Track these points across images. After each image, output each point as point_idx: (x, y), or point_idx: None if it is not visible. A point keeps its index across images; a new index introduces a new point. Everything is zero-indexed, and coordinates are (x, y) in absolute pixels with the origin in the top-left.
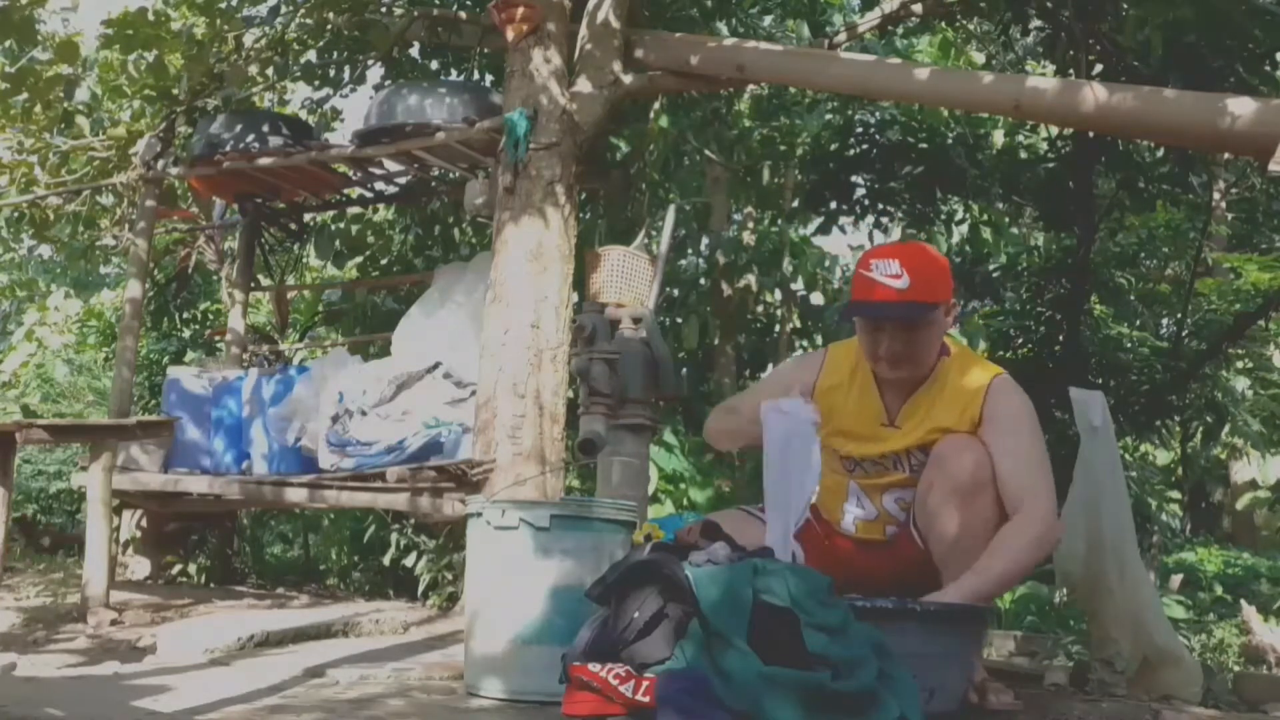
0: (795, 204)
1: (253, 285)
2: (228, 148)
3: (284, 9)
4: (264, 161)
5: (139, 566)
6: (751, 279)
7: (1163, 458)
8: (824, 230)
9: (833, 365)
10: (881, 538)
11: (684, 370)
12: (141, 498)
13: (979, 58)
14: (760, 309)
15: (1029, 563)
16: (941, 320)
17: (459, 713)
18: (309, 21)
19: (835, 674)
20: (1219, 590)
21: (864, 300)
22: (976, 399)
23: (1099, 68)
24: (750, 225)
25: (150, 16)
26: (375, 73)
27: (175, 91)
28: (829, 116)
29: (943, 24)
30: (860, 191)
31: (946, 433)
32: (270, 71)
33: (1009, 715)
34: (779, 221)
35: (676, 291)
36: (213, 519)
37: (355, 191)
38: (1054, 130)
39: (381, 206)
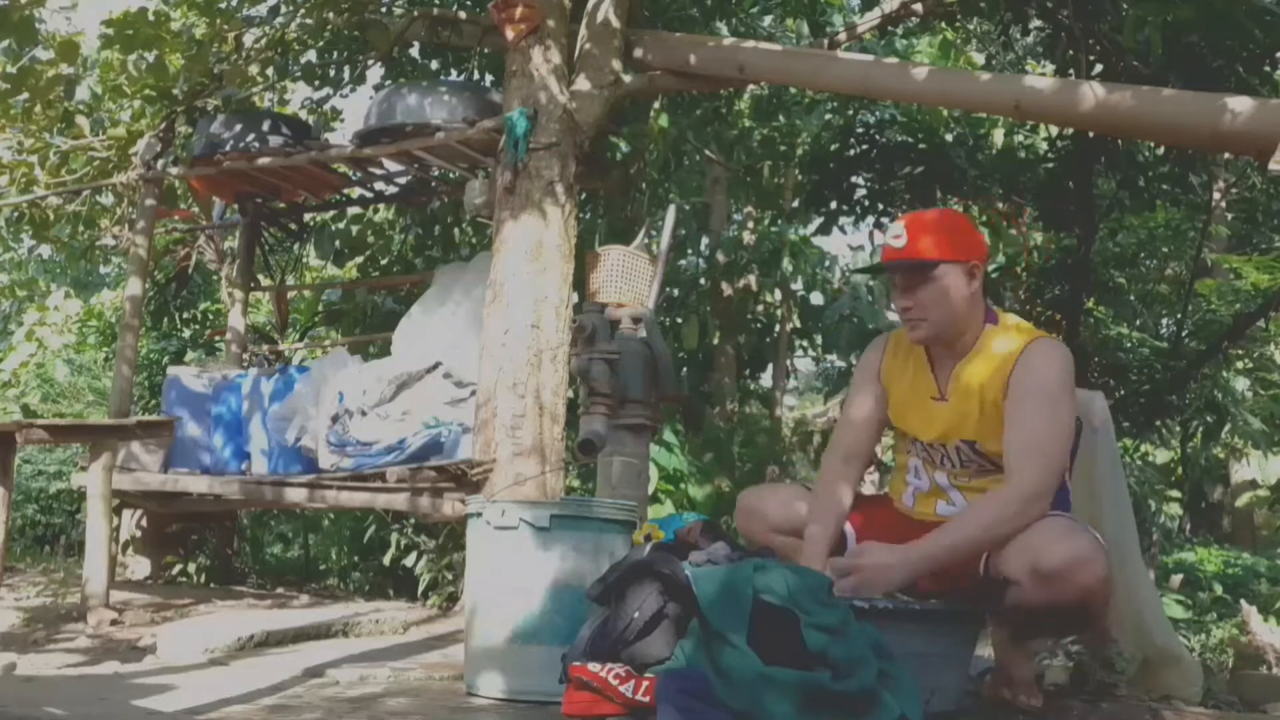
0: (795, 204)
1: (253, 285)
2: (228, 148)
3: (284, 9)
4: (264, 161)
5: (139, 566)
6: (751, 279)
7: (1163, 458)
8: (824, 230)
9: (894, 345)
10: (933, 515)
11: (684, 370)
12: (141, 497)
13: (979, 58)
14: (760, 309)
15: (985, 539)
16: (950, 279)
17: (459, 712)
18: (309, 21)
19: (835, 674)
20: (1218, 590)
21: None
22: (1010, 361)
23: (1099, 68)
24: (750, 225)
25: (150, 16)
26: (375, 73)
27: (175, 91)
28: (829, 116)
29: (943, 24)
30: (860, 192)
31: (985, 400)
32: (270, 71)
33: (1009, 715)
34: (779, 221)
35: (676, 291)
36: (213, 519)
37: (355, 191)
38: (1054, 130)
39: (381, 206)
